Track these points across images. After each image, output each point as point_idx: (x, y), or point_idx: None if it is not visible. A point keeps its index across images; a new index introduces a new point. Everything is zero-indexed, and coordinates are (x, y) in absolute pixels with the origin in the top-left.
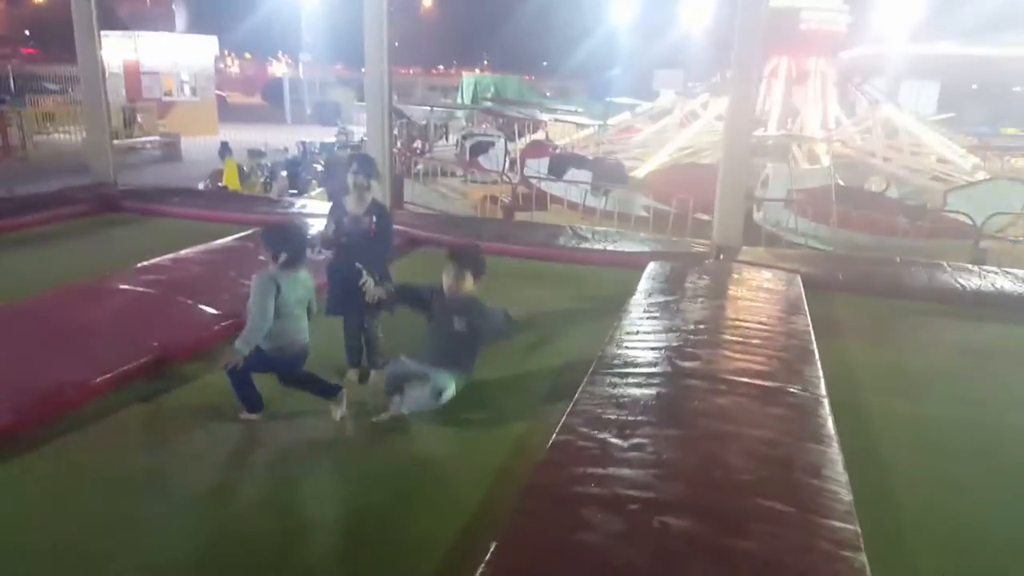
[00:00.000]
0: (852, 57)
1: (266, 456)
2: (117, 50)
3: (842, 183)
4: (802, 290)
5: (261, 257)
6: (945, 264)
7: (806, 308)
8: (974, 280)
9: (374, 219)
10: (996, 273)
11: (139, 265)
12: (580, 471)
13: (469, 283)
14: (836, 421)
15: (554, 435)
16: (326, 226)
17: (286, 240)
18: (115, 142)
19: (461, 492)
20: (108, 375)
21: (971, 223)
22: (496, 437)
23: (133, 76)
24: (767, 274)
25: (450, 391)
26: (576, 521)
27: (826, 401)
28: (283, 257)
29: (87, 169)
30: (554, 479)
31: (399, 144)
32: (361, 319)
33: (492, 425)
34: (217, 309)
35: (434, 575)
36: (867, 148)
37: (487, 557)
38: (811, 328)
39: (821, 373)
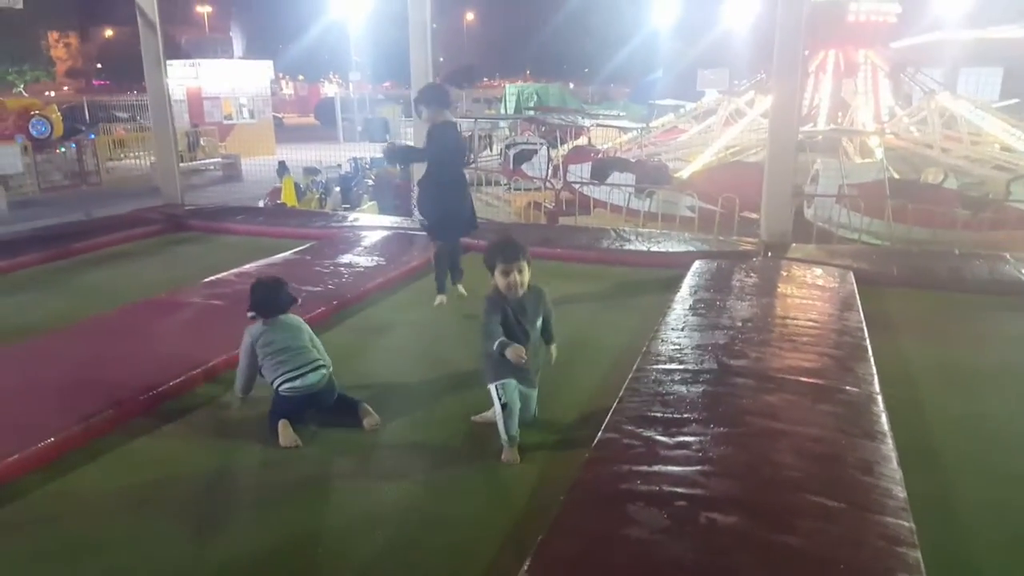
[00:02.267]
0: (905, 47)
1: (327, 450)
2: (180, 78)
3: (896, 176)
4: (855, 286)
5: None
6: (1008, 255)
7: (859, 304)
8: None
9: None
10: None
11: (206, 280)
12: (626, 468)
13: (527, 274)
14: (891, 418)
15: (599, 433)
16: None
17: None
18: (181, 165)
19: (507, 489)
20: (177, 381)
21: None
22: (541, 435)
23: (195, 102)
24: (818, 271)
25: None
26: (622, 516)
27: (880, 398)
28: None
29: (157, 191)
30: (600, 476)
31: None
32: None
33: (537, 422)
34: None
35: (485, 569)
36: (923, 139)
37: (534, 549)
38: (864, 324)
39: (875, 370)
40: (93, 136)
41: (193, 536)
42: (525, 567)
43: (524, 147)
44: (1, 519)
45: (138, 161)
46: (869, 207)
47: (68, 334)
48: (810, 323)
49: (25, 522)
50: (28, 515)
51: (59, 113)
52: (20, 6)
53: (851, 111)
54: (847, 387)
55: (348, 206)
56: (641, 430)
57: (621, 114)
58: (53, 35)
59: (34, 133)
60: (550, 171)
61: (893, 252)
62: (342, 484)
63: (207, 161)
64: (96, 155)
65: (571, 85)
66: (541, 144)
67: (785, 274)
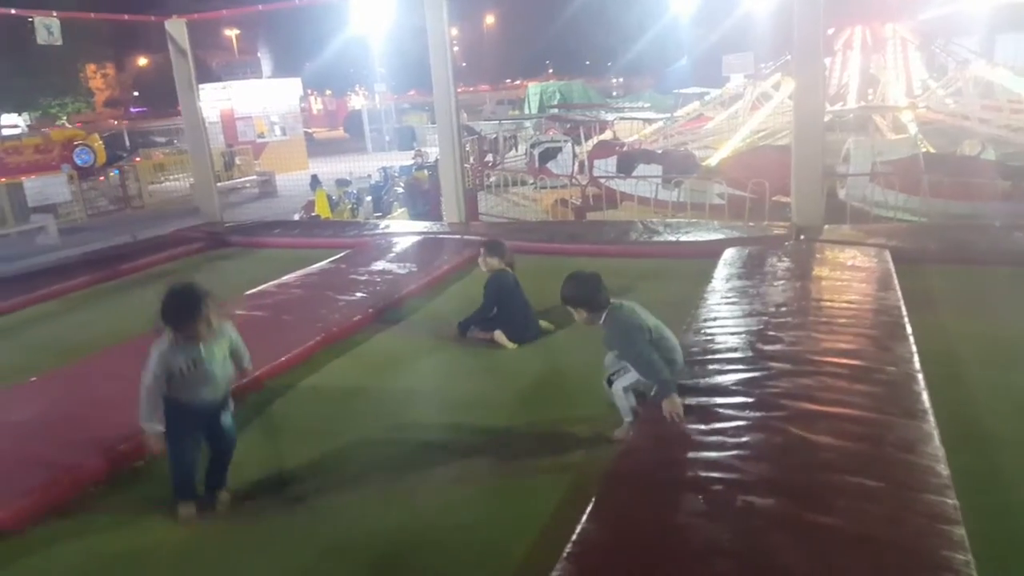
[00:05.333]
0: (934, 18)
1: (374, 450)
2: (213, 100)
3: (932, 150)
4: (891, 265)
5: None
6: None
7: (896, 283)
8: None
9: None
10: None
11: (248, 292)
12: (661, 457)
13: (583, 316)
14: (932, 397)
15: (634, 426)
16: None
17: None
18: (218, 184)
19: (544, 484)
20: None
21: None
22: (575, 429)
23: (229, 122)
24: (852, 251)
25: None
26: (657, 503)
27: (920, 376)
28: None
29: (197, 211)
30: (635, 466)
31: (471, 159)
32: None
33: (571, 418)
34: (316, 324)
35: (523, 559)
36: (959, 111)
37: (572, 538)
38: (902, 303)
39: (914, 348)
40: (133, 161)
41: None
42: (564, 554)
43: (549, 145)
44: (66, 532)
45: (178, 183)
46: (904, 184)
47: (117, 352)
48: (845, 304)
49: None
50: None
51: (101, 142)
52: (60, 43)
53: (881, 87)
54: (886, 367)
55: (379, 214)
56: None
57: (646, 105)
58: (91, 67)
59: (79, 162)
60: (576, 167)
61: (931, 228)
62: (379, 488)
63: (243, 179)
64: (138, 179)
65: (613, 81)
66: (566, 141)
67: (818, 256)
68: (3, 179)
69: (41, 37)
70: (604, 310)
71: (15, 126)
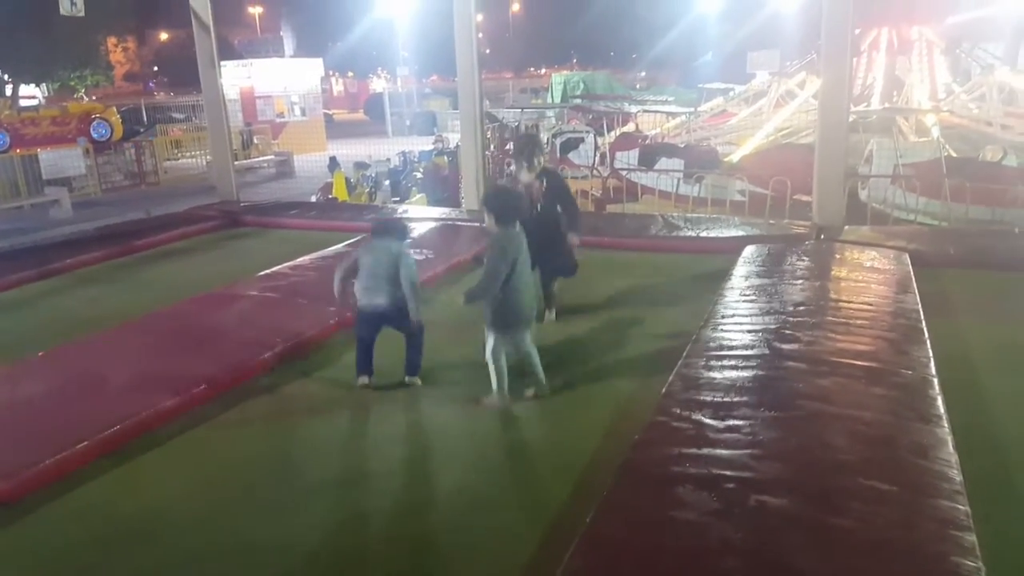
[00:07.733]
0: (961, 23)
1: (380, 434)
2: (234, 78)
3: (954, 154)
4: (910, 268)
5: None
6: None
7: (915, 286)
8: None
9: (544, 182)
10: None
11: (262, 273)
12: (674, 452)
13: (490, 222)
14: (948, 401)
15: (649, 417)
16: None
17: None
18: (235, 163)
19: (555, 476)
20: (237, 370)
21: None
22: (589, 422)
23: (249, 101)
24: (872, 253)
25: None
26: (670, 499)
27: (936, 381)
28: None
29: (213, 189)
30: (648, 460)
31: (492, 147)
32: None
33: (585, 410)
34: (331, 307)
35: (533, 551)
36: (982, 116)
37: (582, 530)
38: (920, 307)
39: (931, 352)
40: (151, 137)
41: (251, 519)
42: (573, 548)
43: (570, 135)
44: (65, 506)
45: (195, 160)
46: (925, 187)
47: (130, 328)
48: (864, 306)
49: (88, 507)
50: (91, 501)
51: (119, 116)
52: (83, 13)
53: (906, 89)
54: (902, 370)
55: (398, 199)
56: (691, 414)
57: (669, 99)
58: (112, 40)
59: (95, 136)
60: (597, 159)
61: (950, 232)
62: (394, 467)
63: (261, 159)
64: (154, 155)
65: (621, 72)
66: (588, 132)
67: (838, 257)
68: (19, 150)
69: (64, 8)
70: (505, 226)
71: (32, 97)
